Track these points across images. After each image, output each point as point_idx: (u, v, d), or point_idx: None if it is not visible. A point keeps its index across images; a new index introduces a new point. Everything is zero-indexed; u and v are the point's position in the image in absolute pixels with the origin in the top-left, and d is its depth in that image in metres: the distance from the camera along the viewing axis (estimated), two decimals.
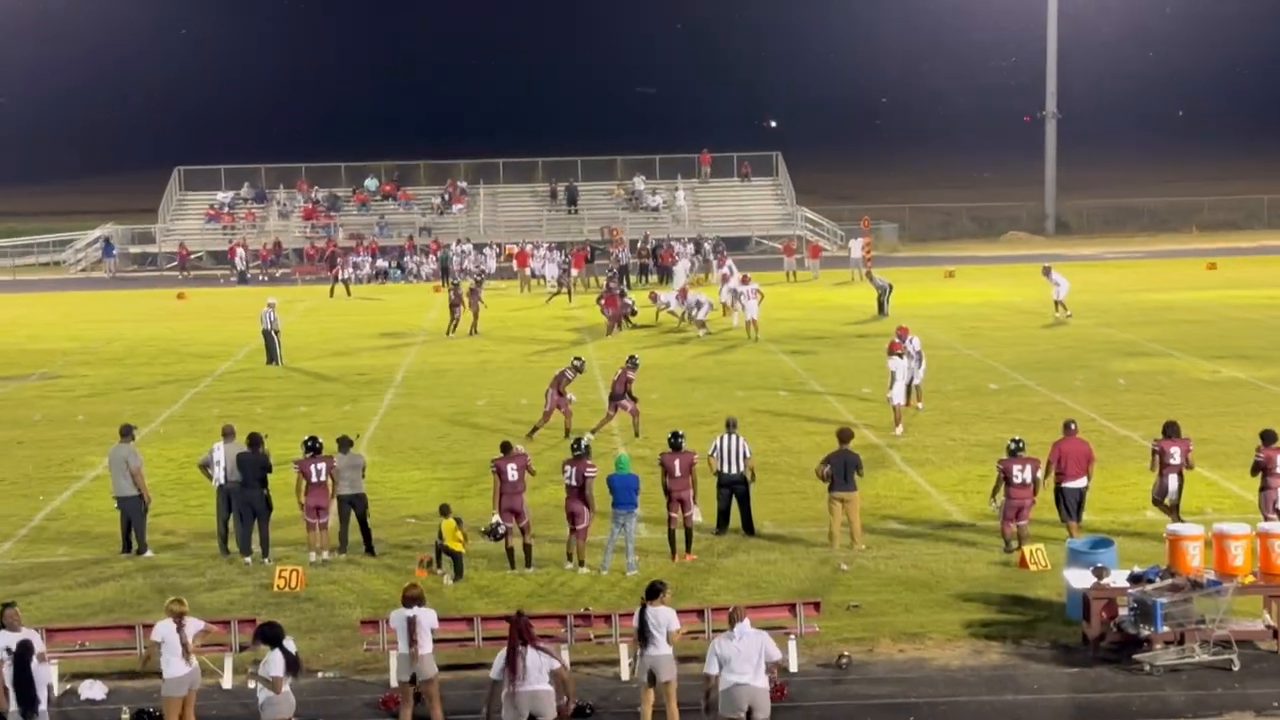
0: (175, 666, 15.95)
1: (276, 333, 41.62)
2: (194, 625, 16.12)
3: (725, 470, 23.23)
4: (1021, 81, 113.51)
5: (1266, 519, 21.20)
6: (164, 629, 15.97)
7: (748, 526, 23.36)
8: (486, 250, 70.42)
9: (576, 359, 31.95)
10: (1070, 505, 22.36)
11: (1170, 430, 22.80)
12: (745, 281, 46.87)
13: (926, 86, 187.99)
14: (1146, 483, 23.74)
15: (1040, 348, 42.00)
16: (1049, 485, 22.39)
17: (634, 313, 48.17)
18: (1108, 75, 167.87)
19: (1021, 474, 21.92)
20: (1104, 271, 64.30)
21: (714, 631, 17.53)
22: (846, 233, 73.24)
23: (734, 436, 23.38)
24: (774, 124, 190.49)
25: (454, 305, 47.61)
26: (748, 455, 23.32)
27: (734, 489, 23.31)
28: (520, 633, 15.15)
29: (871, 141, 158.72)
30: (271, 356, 41.46)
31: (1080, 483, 22.42)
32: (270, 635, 15.19)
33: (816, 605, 18.51)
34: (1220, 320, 46.43)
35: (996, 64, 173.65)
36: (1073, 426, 22.92)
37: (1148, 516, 23.42)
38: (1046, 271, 49.06)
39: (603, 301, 47.63)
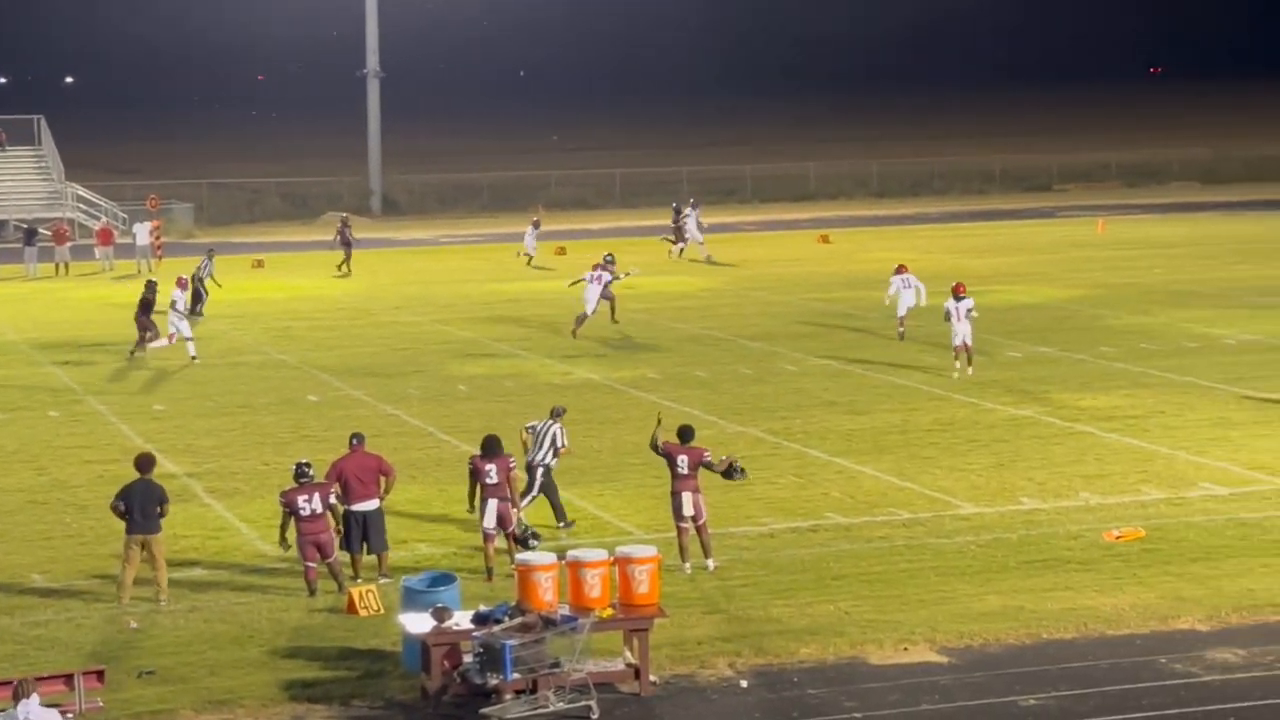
0: None
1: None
2: None
3: None
4: (345, 34, 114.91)
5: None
6: None
7: None
8: None
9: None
10: (360, 532, 22.67)
11: (490, 447, 22.97)
12: None
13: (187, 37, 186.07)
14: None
15: (368, 350, 42.52)
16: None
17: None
18: (432, 33, 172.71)
19: (309, 504, 21.97)
20: (439, 258, 66.06)
21: None
22: (130, 215, 71.73)
23: None
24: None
25: None
26: None
27: None
28: None
29: (152, 104, 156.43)
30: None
31: (372, 504, 22.81)
32: None
33: (100, 675, 17.96)
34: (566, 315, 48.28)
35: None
36: (355, 441, 23.23)
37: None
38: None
39: None
